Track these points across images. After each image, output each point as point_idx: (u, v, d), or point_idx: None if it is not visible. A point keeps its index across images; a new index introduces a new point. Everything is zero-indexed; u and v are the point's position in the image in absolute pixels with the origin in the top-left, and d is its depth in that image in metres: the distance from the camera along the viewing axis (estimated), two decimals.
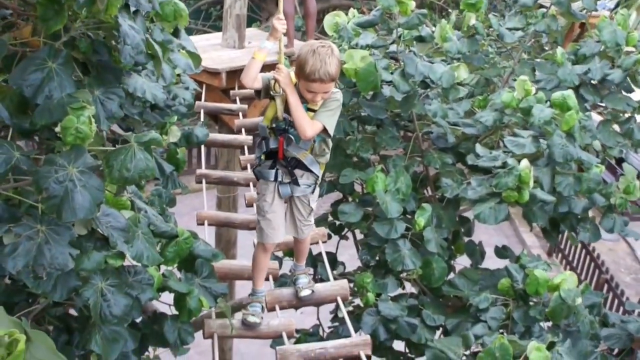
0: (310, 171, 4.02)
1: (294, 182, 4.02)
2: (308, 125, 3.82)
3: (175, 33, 4.04)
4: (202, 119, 7.07)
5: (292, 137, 3.91)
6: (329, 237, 5.72)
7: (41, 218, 2.71)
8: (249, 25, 9.51)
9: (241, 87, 8.00)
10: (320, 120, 3.87)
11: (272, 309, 4.64)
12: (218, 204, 8.63)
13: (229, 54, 8.30)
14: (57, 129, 2.80)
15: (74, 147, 2.72)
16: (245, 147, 6.76)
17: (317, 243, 5.15)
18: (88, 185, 2.66)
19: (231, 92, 7.84)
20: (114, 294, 3.15)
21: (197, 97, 6.87)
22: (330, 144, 4.06)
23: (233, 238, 8.81)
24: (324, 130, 3.91)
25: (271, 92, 3.91)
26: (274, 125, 3.95)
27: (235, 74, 7.99)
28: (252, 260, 4.44)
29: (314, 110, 3.91)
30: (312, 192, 4.14)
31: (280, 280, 5.39)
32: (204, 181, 6.15)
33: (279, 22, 3.87)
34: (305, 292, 4.48)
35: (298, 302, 4.54)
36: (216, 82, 7.80)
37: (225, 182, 6.62)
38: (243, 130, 7.03)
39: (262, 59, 3.88)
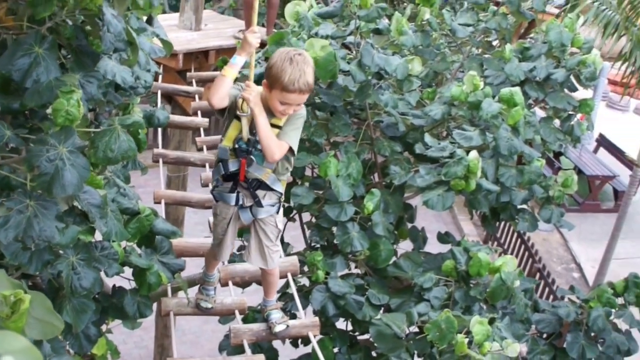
0: (273, 190, 3.83)
1: (257, 204, 3.83)
2: (277, 148, 3.60)
3: (149, 21, 4.17)
4: (159, 99, 7.19)
5: (254, 159, 3.69)
6: None
7: (30, 193, 2.86)
8: None
9: (197, 69, 8.16)
10: (287, 140, 3.66)
11: (225, 284, 4.85)
12: (168, 183, 8.75)
13: (186, 35, 8.42)
14: (48, 111, 2.94)
15: (63, 128, 2.85)
16: (201, 129, 6.92)
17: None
18: (76, 164, 2.81)
19: (187, 74, 7.97)
20: (83, 268, 3.34)
21: (154, 78, 6.98)
22: (293, 161, 3.86)
23: (181, 217, 8.95)
24: (289, 150, 3.70)
25: (238, 112, 3.66)
26: (236, 146, 3.72)
27: (191, 55, 8.14)
28: (205, 255, 4.51)
29: (277, 126, 3.68)
30: (277, 211, 3.93)
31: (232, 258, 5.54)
32: (160, 161, 6.29)
33: (253, 36, 3.57)
34: (279, 327, 4.32)
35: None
36: (173, 63, 7.91)
37: (181, 162, 6.75)
38: (199, 112, 7.17)
39: (233, 76, 3.58)
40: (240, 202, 3.85)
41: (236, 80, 3.70)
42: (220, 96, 3.57)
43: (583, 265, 13.16)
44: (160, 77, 7.45)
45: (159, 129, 6.72)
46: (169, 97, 8.14)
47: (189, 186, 8.98)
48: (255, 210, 3.87)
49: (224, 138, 3.78)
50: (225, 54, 7.76)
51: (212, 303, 4.49)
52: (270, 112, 3.66)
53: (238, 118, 3.70)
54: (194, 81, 7.80)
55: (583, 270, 13.04)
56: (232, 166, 3.75)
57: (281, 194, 3.91)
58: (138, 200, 4.32)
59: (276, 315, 4.38)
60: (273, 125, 3.67)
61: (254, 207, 3.86)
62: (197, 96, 7.44)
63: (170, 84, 7.77)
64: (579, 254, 13.50)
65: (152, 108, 5.89)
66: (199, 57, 8.28)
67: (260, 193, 3.83)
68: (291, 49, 3.66)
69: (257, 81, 5.60)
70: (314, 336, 4.53)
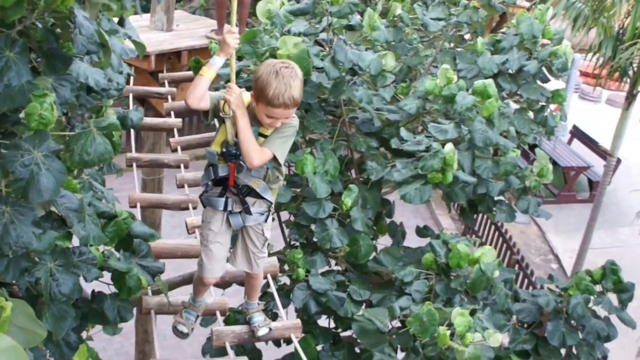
0: (263, 198, 3.74)
1: (246, 210, 3.74)
2: (256, 154, 3.49)
3: (121, 22, 4.13)
4: (131, 102, 7.13)
5: (243, 164, 3.60)
6: None
7: (5, 199, 2.82)
8: None
9: (170, 70, 8.11)
10: (271, 148, 3.55)
11: None
12: (143, 186, 8.68)
13: (158, 36, 8.35)
14: (21, 115, 2.91)
15: (37, 132, 2.83)
16: (175, 130, 6.87)
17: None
18: (52, 168, 2.78)
19: (160, 75, 7.90)
20: (62, 274, 3.30)
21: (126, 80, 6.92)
22: (284, 170, 3.80)
23: (157, 220, 8.89)
24: (274, 158, 3.60)
25: (221, 114, 3.59)
26: (224, 150, 3.64)
27: (164, 56, 8.09)
28: (193, 279, 4.26)
29: (265, 136, 3.59)
30: (266, 220, 3.86)
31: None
32: (134, 165, 6.23)
33: (232, 37, 3.51)
34: (263, 331, 4.27)
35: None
36: (145, 65, 7.86)
37: (155, 164, 6.69)
38: (172, 113, 7.12)
39: (211, 76, 3.52)
40: (229, 208, 3.76)
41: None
42: (197, 96, 3.49)
43: (561, 256, 13.29)
44: (132, 79, 7.38)
45: (132, 132, 6.68)
46: (141, 100, 8.07)
47: (164, 189, 8.92)
48: (244, 217, 3.78)
49: (213, 142, 3.72)
50: (197, 54, 7.71)
51: (190, 330, 4.26)
52: (258, 122, 3.58)
53: (224, 122, 3.63)
54: (166, 82, 7.74)
55: (561, 261, 13.17)
56: (222, 171, 3.68)
57: (271, 203, 3.82)
58: (115, 203, 4.29)
59: (259, 318, 4.33)
60: (261, 135, 3.59)
61: (242, 213, 3.77)
62: (169, 97, 7.38)
63: (143, 85, 7.71)
64: (557, 245, 13.63)
65: (125, 110, 5.83)
66: (172, 58, 8.22)
67: (249, 200, 3.75)
68: (278, 61, 3.57)
69: (227, 80, 5.65)
70: (296, 338, 4.52)
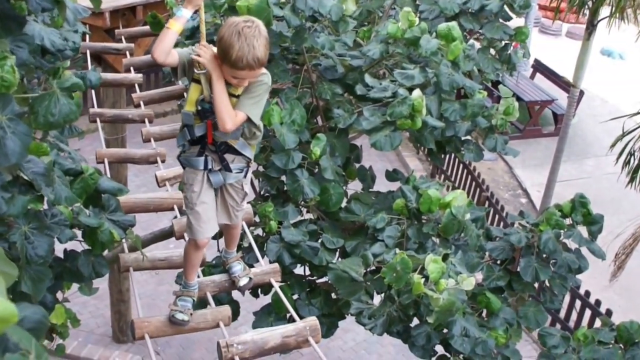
0: (242, 154, 3.67)
1: (225, 167, 3.66)
2: (229, 118, 3.39)
3: None
4: (89, 60, 6.98)
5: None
6: None
7: None
8: None
9: (125, 26, 7.94)
10: (243, 110, 3.45)
11: (181, 238, 4.75)
12: (106, 145, 8.56)
13: None
14: None
15: (0, 95, 2.74)
16: (136, 86, 6.76)
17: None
18: (17, 132, 2.71)
19: (116, 31, 7.76)
20: (36, 236, 3.30)
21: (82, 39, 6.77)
22: (261, 126, 3.70)
23: (123, 180, 8.81)
24: (249, 119, 3.50)
25: (195, 71, 3.44)
26: (199, 108, 3.52)
27: (118, 13, 7.92)
28: (183, 254, 4.07)
29: (236, 96, 3.47)
30: (245, 176, 3.78)
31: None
32: (98, 120, 6.15)
33: None
34: (244, 281, 4.22)
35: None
36: (100, 22, 7.69)
37: (119, 119, 6.61)
38: (132, 68, 7.00)
39: (179, 29, 3.34)
40: (210, 167, 3.66)
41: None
42: (163, 50, 3.31)
43: (529, 190, 13.45)
44: (87, 37, 7.22)
45: (93, 92, 6.54)
46: (98, 58, 7.91)
47: (127, 148, 8.83)
48: (224, 175, 3.69)
49: (186, 103, 3.57)
50: (153, 8, 7.55)
51: (189, 316, 3.94)
52: (227, 81, 3.45)
53: (196, 81, 3.49)
54: (123, 38, 7.59)
55: (530, 195, 13.33)
56: (198, 131, 3.57)
57: (250, 159, 3.74)
58: (80, 164, 4.21)
59: (238, 267, 4.27)
60: (231, 95, 3.46)
61: (222, 170, 3.69)
62: (127, 53, 7.24)
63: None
64: (525, 180, 13.78)
65: (82, 71, 5.70)
66: (126, 14, 8.05)
67: (229, 157, 3.66)
68: (241, 20, 3.35)
69: (192, 35, 5.54)
70: (276, 282, 4.49)
